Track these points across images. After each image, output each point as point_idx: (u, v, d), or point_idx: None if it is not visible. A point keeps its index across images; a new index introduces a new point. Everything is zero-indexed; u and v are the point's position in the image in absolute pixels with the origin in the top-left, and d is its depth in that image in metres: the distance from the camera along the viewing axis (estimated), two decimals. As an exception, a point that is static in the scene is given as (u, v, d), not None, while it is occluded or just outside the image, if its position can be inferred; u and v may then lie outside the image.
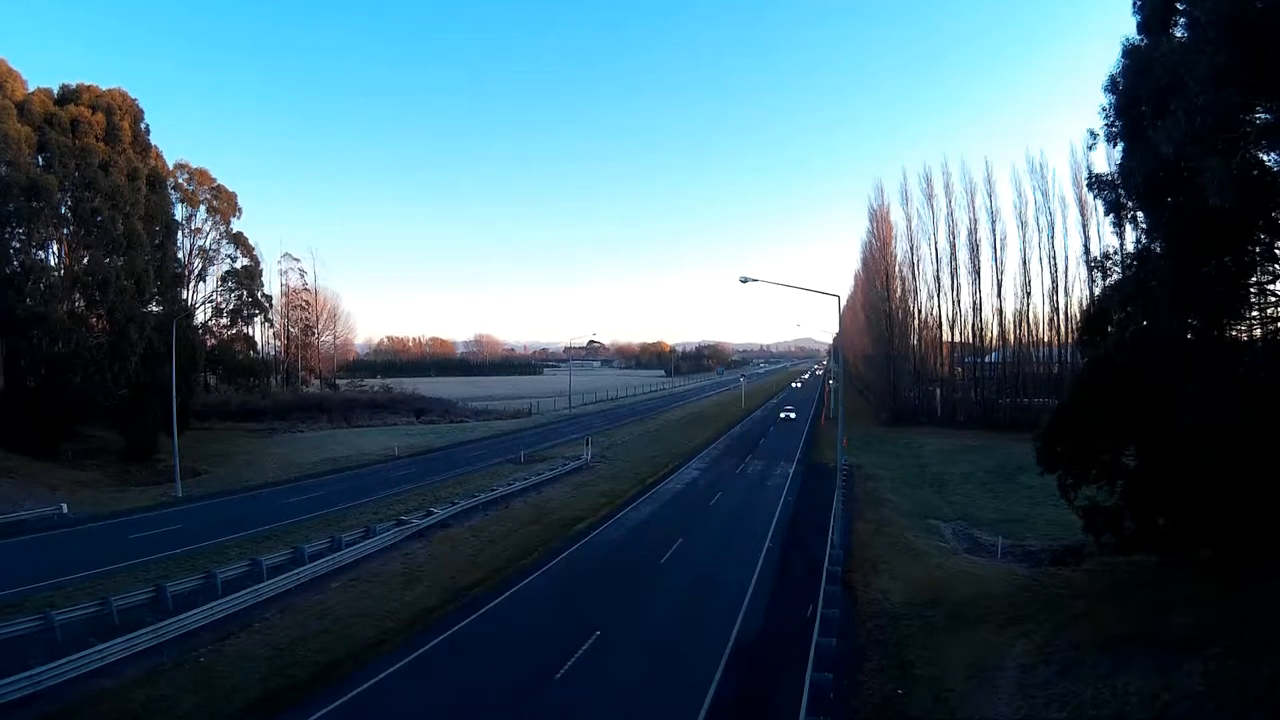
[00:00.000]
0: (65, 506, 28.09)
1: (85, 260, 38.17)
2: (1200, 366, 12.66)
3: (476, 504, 29.57)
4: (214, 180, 57.26)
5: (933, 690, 13.22)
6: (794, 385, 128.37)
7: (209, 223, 58.06)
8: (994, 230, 60.46)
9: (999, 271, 60.63)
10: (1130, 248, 21.05)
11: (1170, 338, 13.30)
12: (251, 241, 58.68)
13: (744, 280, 24.72)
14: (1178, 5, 13.46)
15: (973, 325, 62.33)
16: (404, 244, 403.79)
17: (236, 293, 55.87)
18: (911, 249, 65.02)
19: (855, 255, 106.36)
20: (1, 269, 34.98)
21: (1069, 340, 53.19)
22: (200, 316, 54.94)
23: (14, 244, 35.96)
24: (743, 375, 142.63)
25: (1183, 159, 12.05)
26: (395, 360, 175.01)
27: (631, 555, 23.00)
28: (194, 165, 56.38)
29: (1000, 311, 61.56)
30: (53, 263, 38.18)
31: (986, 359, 62.83)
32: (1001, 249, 60.32)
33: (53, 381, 35.53)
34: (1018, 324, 59.89)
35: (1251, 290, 13.89)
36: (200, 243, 58.60)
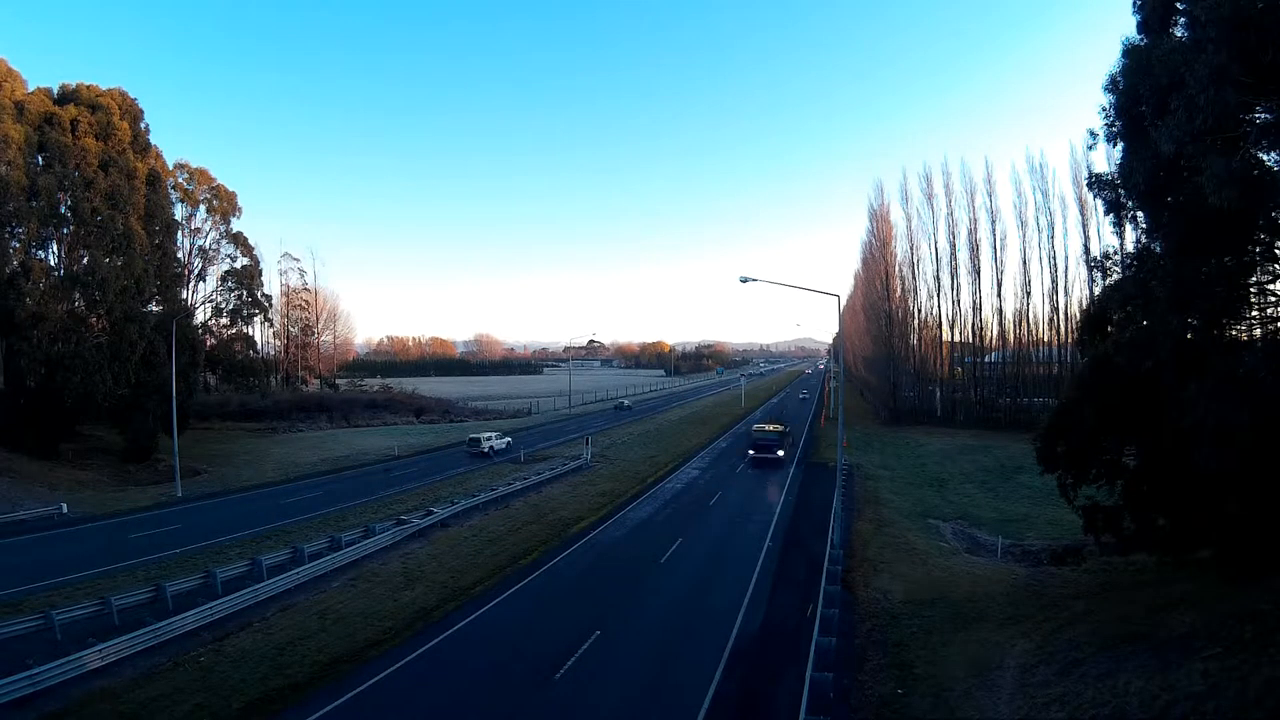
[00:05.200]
0: (65, 506, 28.09)
1: (85, 260, 38.11)
2: (1200, 366, 12.65)
3: (476, 504, 29.56)
4: (213, 180, 57.25)
5: (933, 690, 13.22)
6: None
7: (208, 222, 58.08)
8: (994, 230, 60.54)
9: (999, 271, 60.74)
10: (1130, 248, 21.08)
11: (1170, 338, 13.28)
12: (251, 241, 58.56)
13: (744, 280, 24.68)
14: (1178, 5, 13.45)
15: (973, 325, 62.36)
16: (404, 244, 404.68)
17: (236, 292, 55.71)
18: (911, 249, 65.06)
19: (855, 255, 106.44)
20: (1, 269, 34.97)
21: (1069, 340, 53.17)
22: (200, 316, 54.83)
23: (14, 244, 35.96)
24: (743, 375, 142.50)
25: (1183, 158, 12.05)
26: (395, 360, 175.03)
27: (631, 555, 22.98)
28: (194, 165, 56.44)
29: (1000, 311, 61.69)
30: (53, 262, 38.16)
31: (986, 359, 62.81)
32: (1001, 249, 60.42)
33: (53, 381, 35.47)
34: (1018, 324, 59.95)
35: (1251, 290, 13.87)
36: (200, 242, 58.64)
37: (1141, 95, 13.57)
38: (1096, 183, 16.92)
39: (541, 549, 23.62)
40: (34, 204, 35.54)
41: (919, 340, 66.26)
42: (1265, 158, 12.09)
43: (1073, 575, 19.15)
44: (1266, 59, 10.66)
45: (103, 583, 19.36)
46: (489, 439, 45.56)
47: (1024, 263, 58.59)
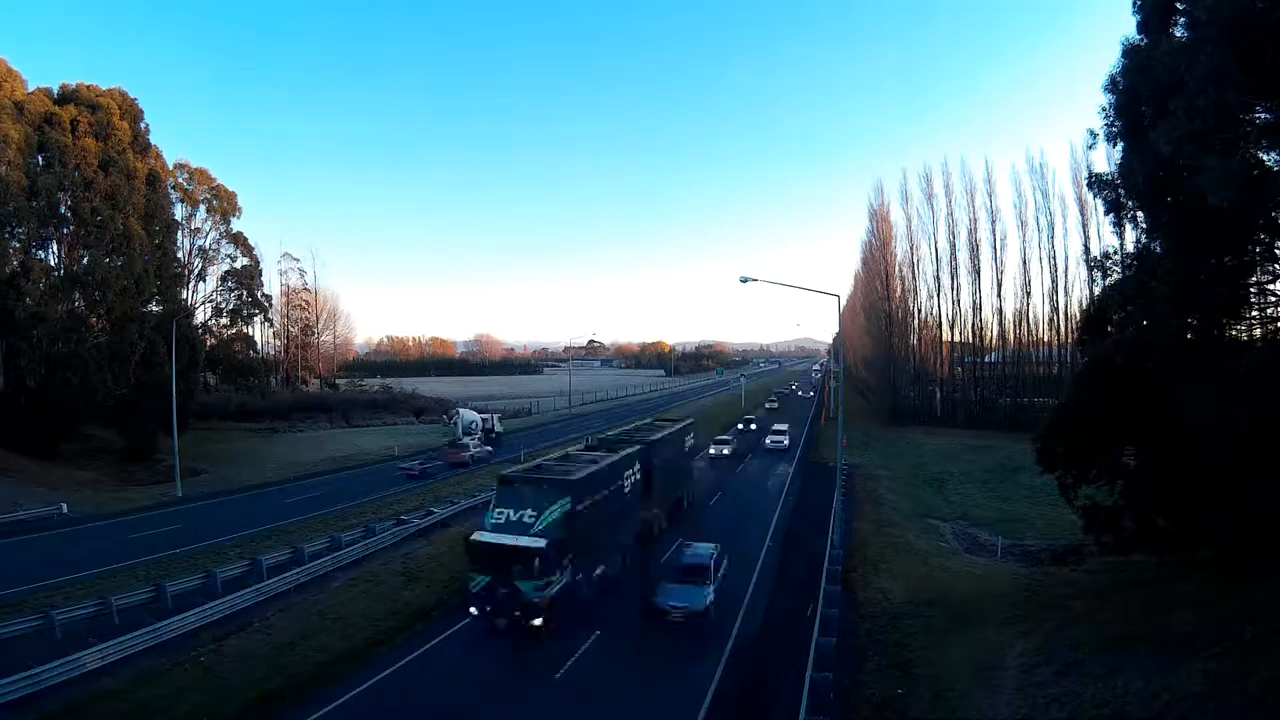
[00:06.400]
0: (65, 506, 28.11)
1: (85, 260, 38.18)
2: (1200, 366, 12.65)
3: (476, 504, 29.47)
4: (213, 180, 57.19)
5: (933, 690, 13.21)
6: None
7: (208, 222, 57.98)
8: (994, 230, 60.41)
9: (999, 271, 60.56)
10: (1130, 248, 21.11)
11: (1170, 337, 13.29)
12: (251, 241, 58.54)
13: (744, 280, 24.62)
14: (1178, 5, 13.45)
15: (972, 325, 62.28)
16: (404, 243, 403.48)
17: (236, 292, 55.76)
18: (911, 249, 64.98)
19: (855, 255, 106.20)
20: (1, 269, 34.99)
21: (1069, 340, 53.12)
22: (200, 316, 54.89)
23: (14, 244, 35.97)
24: (743, 375, 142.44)
25: (1183, 158, 12.04)
26: (395, 360, 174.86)
27: (631, 555, 22.91)
28: (193, 165, 56.37)
29: (1000, 311, 61.53)
30: (53, 262, 38.20)
31: (986, 359, 62.79)
32: (1001, 249, 60.27)
33: (53, 381, 35.49)
34: (1017, 324, 59.86)
35: (1251, 290, 13.89)
36: (200, 242, 58.53)
37: (1141, 95, 13.58)
38: (1096, 183, 16.92)
39: (541, 549, 23.55)
40: (34, 204, 35.57)
41: (919, 340, 66.24)
42: (1265, 158, 12.10)
43: (1073, 575, 19.13)
44: (1266, 59, 10.66)
45: (103, 583, 19.36)
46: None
47: (1024, 263, 58.57)
